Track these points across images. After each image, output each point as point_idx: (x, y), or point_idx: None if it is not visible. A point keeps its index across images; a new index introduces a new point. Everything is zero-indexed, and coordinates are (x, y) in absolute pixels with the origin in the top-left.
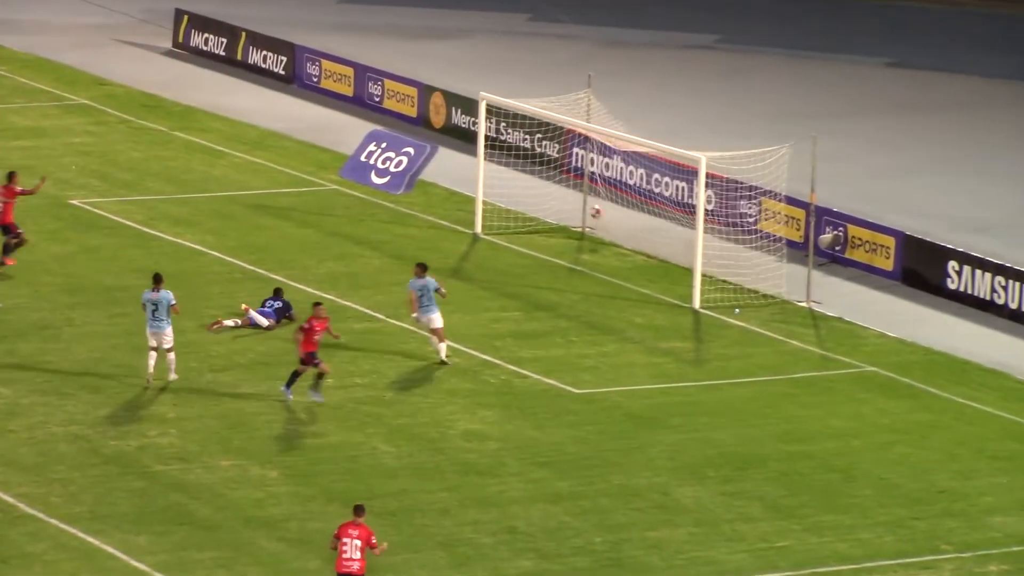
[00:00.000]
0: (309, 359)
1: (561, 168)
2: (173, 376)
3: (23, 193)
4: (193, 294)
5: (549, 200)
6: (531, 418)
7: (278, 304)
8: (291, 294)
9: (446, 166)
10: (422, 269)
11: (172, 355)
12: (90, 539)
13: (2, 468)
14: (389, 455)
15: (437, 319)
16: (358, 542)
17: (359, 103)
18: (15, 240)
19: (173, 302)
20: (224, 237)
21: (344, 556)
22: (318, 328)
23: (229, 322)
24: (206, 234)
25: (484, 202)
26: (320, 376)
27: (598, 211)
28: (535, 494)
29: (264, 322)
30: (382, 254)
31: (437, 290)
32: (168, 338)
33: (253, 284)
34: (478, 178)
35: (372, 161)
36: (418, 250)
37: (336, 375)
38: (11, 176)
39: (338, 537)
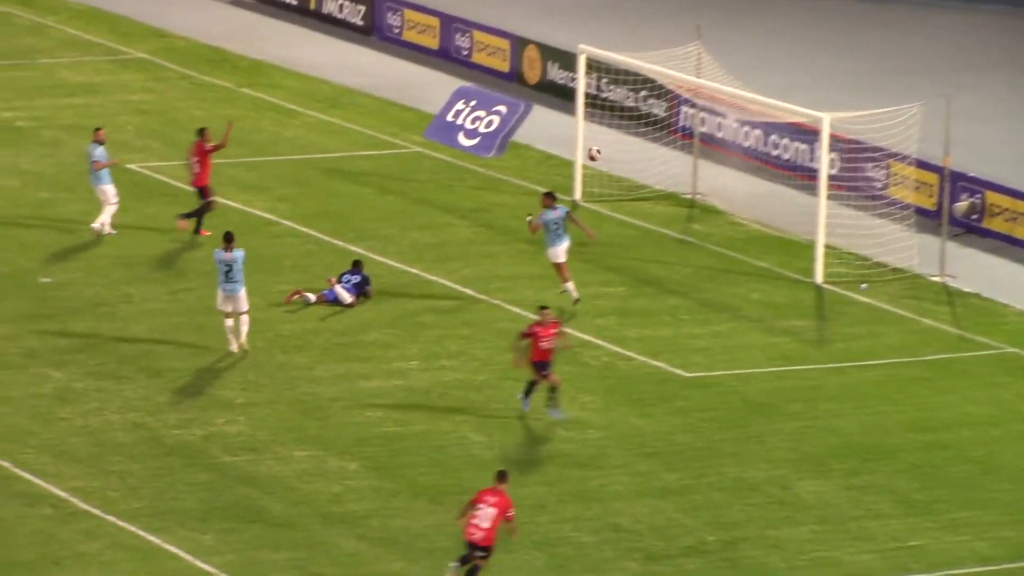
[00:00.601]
0: (539, 371)
1: (668, 129)
2: (243, 343)
3: (215, 149)
4: (262, 268)
5: (655, 164)
6: (636, 404)
7: (356, 278)
8: (372, 267)
9: (541, 126)
10: (552, 199)
11: (247, 322)
12: (150, 537)
13: (54, 460)
14: (480, 445)
15: (561, 252)
16: (492, 511)
17: (445, 57)
18: (206, 207)
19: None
20: (297, 204)
21: (472, 522)
22: (543, 335)
23: (309, 295)
24: (277, 201)
25: (584, 166)
26: (553, 389)
27: (598, 152)
28: (641, 488)
29: (348, 298)
30: (471, 223)
31: (568, 215)
32: (244, 302)
33: (329, 256)
34: (577, 140)
35: (460, 121)
36: (510, 218)
37: (422, 356)
38: (202, 132)
39: (473, 503)
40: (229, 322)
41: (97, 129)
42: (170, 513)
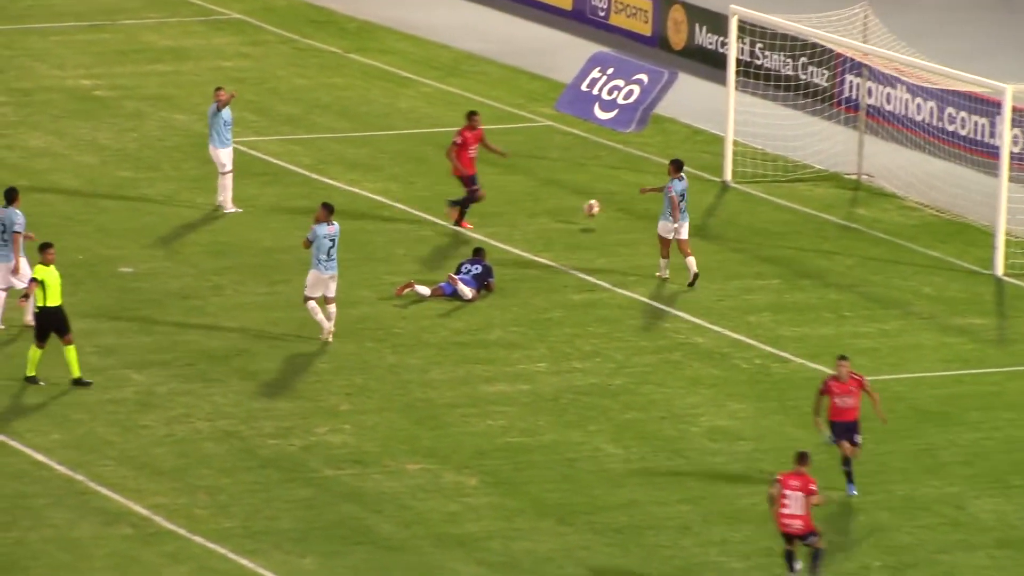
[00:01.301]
0: (843, 436)
1: (831, 100)
2: (331, 330)
3: (489, 149)
4: (371, 256)
5: (816, 140)
6: (792, 412)
7: (478, 269)
8: (495, 257)
9: (688, 97)
10: (677, 168)
11: (335, 307)
12: (243, 561)
13: (134, 473)
14: (615, 458)
15: (686, 228)
16: (800, 495)
17: (580, 19)
18: (472, 198)
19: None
20: (411, 185)
21: (785, 512)
22: (837, 391)
23: (423, 289)
24: (389, 181)
25: (735, 142)
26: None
27: (592, 208)
28: None
29: (468, 293)
30: (608, 207)
31: (682, 195)
32: (335, 284)
33: (447, 244)
34: (728, 113)
35: (596, 91)
36: (653, 202)
37: (551, 358)
38: (472, 116)
39: (780, 487)
40: (314, 306)
41: (217, 89)
42: (265, 534)
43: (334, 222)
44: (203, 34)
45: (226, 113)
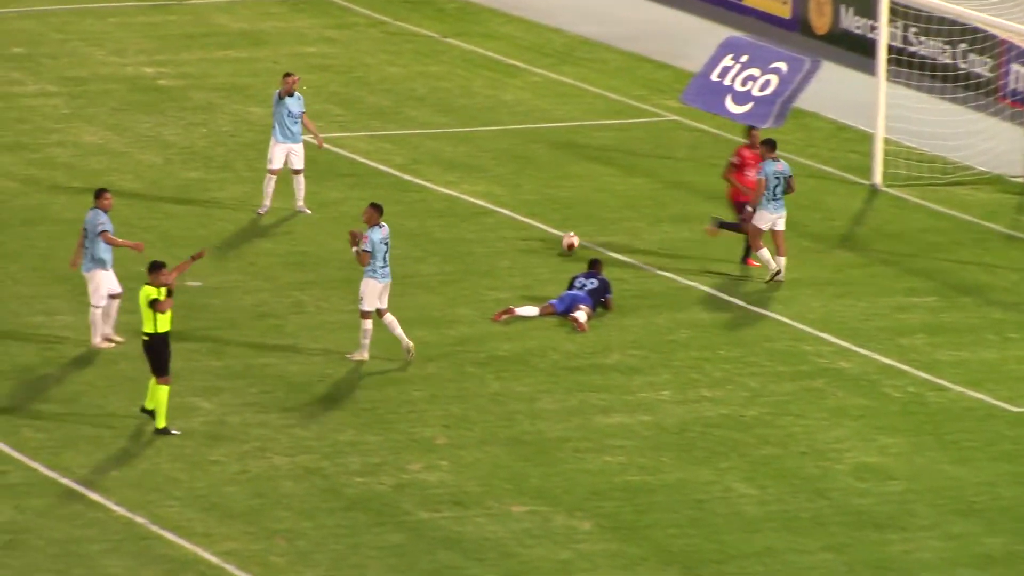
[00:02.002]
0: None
1: (995, 93)
2: (411, 344)
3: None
4: (471, 269)
5: (977, 139)
6: (951, 448)
7: (593, 283)
8: (613, 270)
9: (832, 89)
10: (771, 147)
11: (395, 322)
12: None
13: (203, 515)
14: (749, 500)
15: (771, 219)
16: None
17: (711, 0)
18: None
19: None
20: (518, 188)
21: None
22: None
23: (525, 310)
24: (492, 184)
25: (886, 140)
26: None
27: (571, 243)
28: (956, 555)
29: (583, 317)
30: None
31: (788, 181)
32: (388, 293)
33: (557, 254)
34: (878, 106)
35: (728, 81)
36: (792, 207)
37: (676, 385)
38: (751, 133)
39: None
40: (370, 325)
41: (286, 75)
42: None
43: (383, 223)
44: (282, 16)
45: (292, 102)
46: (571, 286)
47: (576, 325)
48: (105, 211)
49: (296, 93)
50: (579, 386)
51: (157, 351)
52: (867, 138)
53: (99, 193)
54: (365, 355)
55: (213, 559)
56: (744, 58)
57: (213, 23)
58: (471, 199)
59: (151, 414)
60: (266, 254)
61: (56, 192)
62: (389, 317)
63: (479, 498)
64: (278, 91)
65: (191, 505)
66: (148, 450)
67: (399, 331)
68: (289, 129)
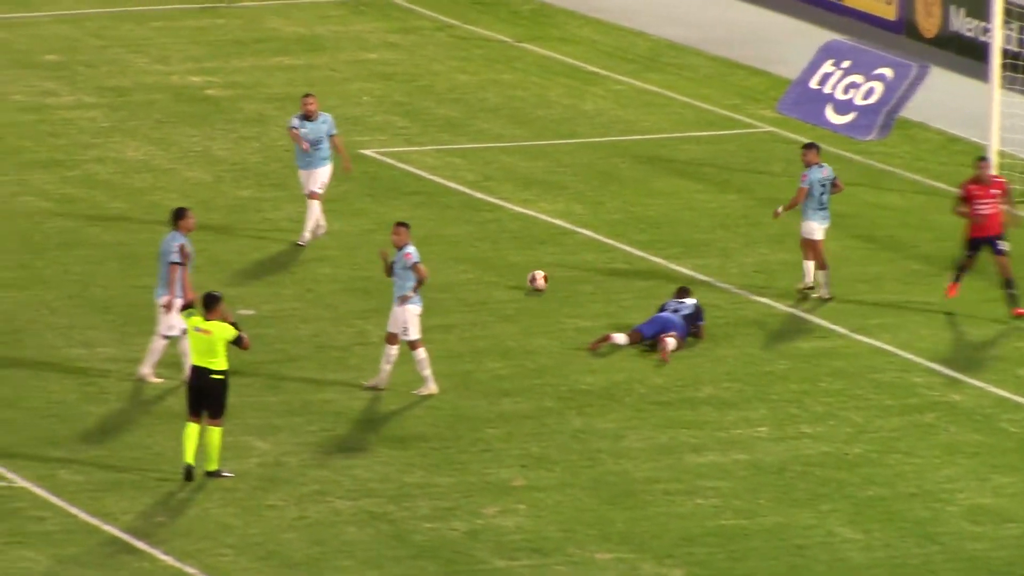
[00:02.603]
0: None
1: None
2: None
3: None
4: (550, 295)
5: None
6: None
7: (687, 309)
8: (704, 296)
9: (942, 97)
10: (817, 152)
11: (421, 359)
12: None
13: (258, 564)
14: (854, 545)
15: (819, 229)
16: None
17: (808, 0)
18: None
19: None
20: (599, 206)
21: None
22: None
23: (619, 338)
24: (572, 202)
25: (1000, 152)
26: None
27: (538, 282)
28: None
29: (672, 344)
30: (843, 233)
31: (834, 183)
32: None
33: (643, 279)
34: (991, 116)
35: (828, 89)
36: (899, 226)
37: (773, 421)
38: (982, 164)
39: None
40: (394, 351)
41: (306, 96)
42: None
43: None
44: (340, 19)
45: (313, 127)
46: (661, 309)
47: (661, 354)
48: (185, 233)
49: (323, 115)
50: (668, 422)
51: (225, 391)
52: (979, 150)
53: (179, 213)
54: (433, 387)
55: None
56: (846, 64)
57: (266, 27)
58: (549, 218)
59: (216, 475)
60: (325, 280)
61: (95, 213)
62: (416, 356)
63: (560, 545)
64: (299, 114)
65: (245, 553)
66: (198, 494)
67: (390, 367)
68: (310, 156)
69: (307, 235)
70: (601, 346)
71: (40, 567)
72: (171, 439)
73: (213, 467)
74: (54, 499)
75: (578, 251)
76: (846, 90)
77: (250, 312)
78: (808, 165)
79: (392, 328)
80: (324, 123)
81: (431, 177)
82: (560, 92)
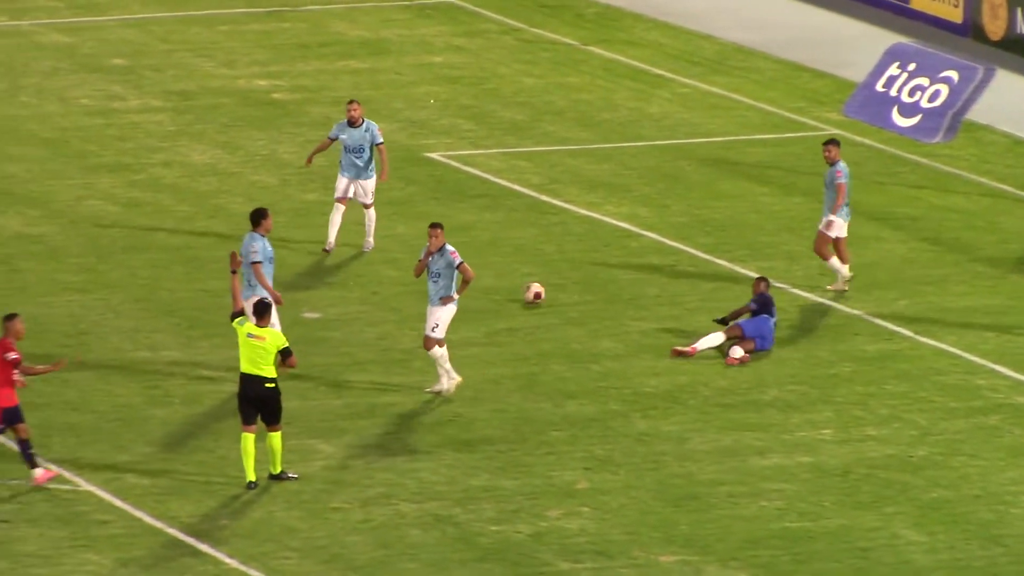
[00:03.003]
0: None
1: None
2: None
3: None
4: (615, 297)
5: None
6: None
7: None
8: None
9: (1008, 99)
10: (837, 148)
11: (440, 352)
12: None
13: (322, 567)
14: (918, 547)
15: (845, 226)
16: None
17: (874, 2)
18: None
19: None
20: (665, 209)
21: None
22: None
23: (710, 340)
24: (637, 205)
25: None
26: None
27: (535, 295)
28: None
29: (740, 352)
30: (909, 236)
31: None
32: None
33: (708, 282)
34: None
35: (894, 92)
36: (965, 229)
37: (838, 423)
38: None
39: None
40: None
41: (350, 102)
42: None
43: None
44: (405, 22)
45: (356, 133)
46: (763, 309)
47: (728, 359)
48: (264, 234)
49: (367, 123)
50: (733, 425)
51: (280, 398)
52: None
53: (260, 214)
54: (447, 383)
55: None
56: (911, 66)
57: (331, 31)
58: (614, 221)
59: (280, 477)
60: (390, 283)
61: (161, 216)
62: (435, 355)
63: (624, 547)
64: (342, 122)
65: (309, 557)
66: (262, 497)
67: (448, 366)
68: (352, 163)
69: (371, 240)
70: (685, 353)
71: (104, 570)
72: (236, 442)
73: (277, 470)
74: (118, 502)
75: (643, 254)
76: (912, 93)
77: (316, 316)
78: (834, 162)
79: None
80: (367, 131)
81: (497, 180)
82: (626, 95)
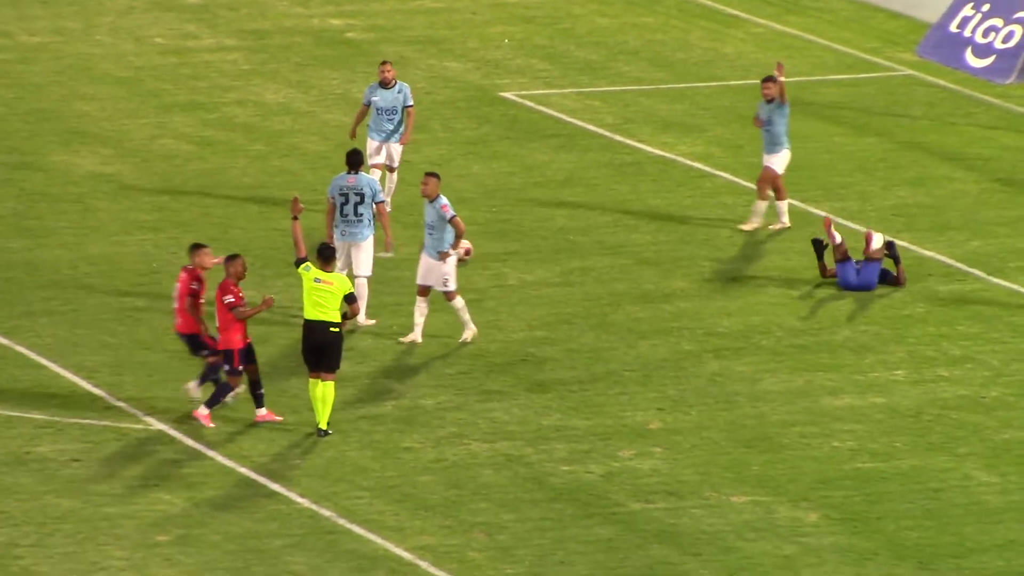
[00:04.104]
0: None
1: None
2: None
3: None
4: (688, 236)
5: None
6: None
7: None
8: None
9: None
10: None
11: (363, 292)
12: None
13: (394, 507)
14: (990, 488)
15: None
16: None
17: None
18: None
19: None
20: (739, 150)
21: None
22: None
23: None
24: (711, 145)
25: None
26: None
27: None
28: None
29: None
30: (982, 176)
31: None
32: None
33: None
34: None
35: (968, 33)
36: None
37: (911, 364)
38: None
39: None
40: (425, 304)
41: (383, 63)
42: None
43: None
44: None
45: (388, 95)
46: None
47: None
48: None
49: (400, 84)
50: (805, 365)
51: (342, 344)
52: None
53: (359, 154)
54: (473, 329)
55: (406, 555)
56: (985, 7)
57: None
58: (688, 161)
59: (325, 433)
60: (464, 222)
61: (234, 155)
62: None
63: (696, 488)
64: (373, 84)
65: (381, 496)
66: (334, 436)
67: (424, 320)
68: (382, 126)
69: (388, 201)
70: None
71: (175, 509)
72: (306, 384)
73: (324, 425)
74: (190, 442)
75: (717, 194)
76: (985, 33)
77: (389, 255)
78: (771, 99)
79: (425, 281)
80: (400, 92)
81: (571, 120)
82: (700, 35)
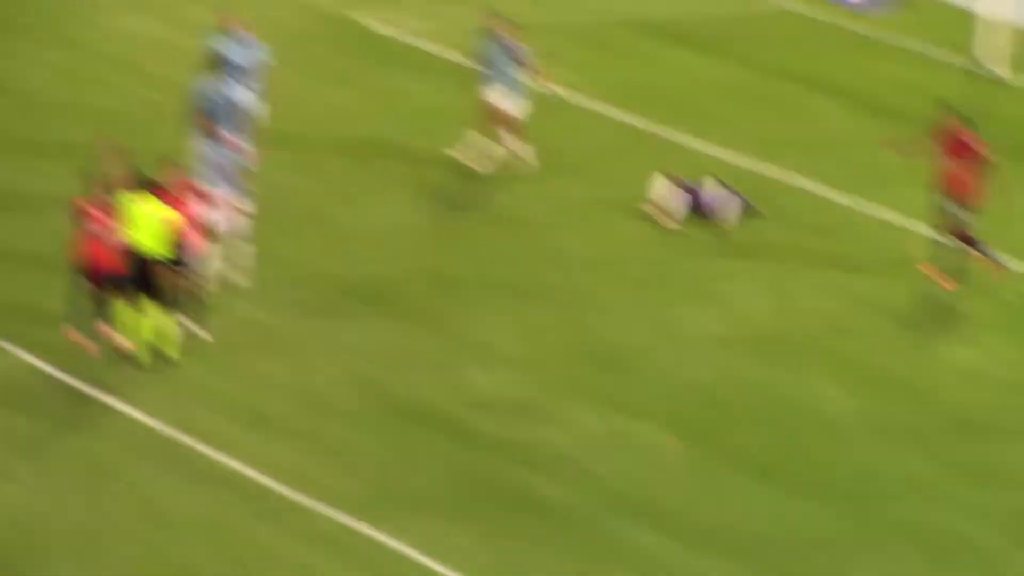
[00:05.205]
0: None
1: None
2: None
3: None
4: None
5: None
6: None
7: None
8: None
9: None
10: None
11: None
12: (377, 535)
13: (243, 429)
14: (832, 403)
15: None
16: None
17: None
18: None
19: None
20: (597, 74)
21: None
22: None
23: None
24: (569, 71)
25: (1017, 29)
26: None
27: None
28: None
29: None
30: (849, 105)
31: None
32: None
33: (644, 150)
34: None
35: None
36: (906, 98)
37: (771, 292)
38: (957, 119)
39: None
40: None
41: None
42: (405, 501)
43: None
44: None
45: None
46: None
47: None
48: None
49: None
50: (663, 294)
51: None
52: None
53: None
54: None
55: (250, 472)
56: None
57: None
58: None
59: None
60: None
61: None
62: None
63: (548, 408)
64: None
65: (236, 421)
66: (188, 358)
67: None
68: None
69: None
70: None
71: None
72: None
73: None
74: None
75: (577, 122)
76: None
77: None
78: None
79: None
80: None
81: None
82: None
